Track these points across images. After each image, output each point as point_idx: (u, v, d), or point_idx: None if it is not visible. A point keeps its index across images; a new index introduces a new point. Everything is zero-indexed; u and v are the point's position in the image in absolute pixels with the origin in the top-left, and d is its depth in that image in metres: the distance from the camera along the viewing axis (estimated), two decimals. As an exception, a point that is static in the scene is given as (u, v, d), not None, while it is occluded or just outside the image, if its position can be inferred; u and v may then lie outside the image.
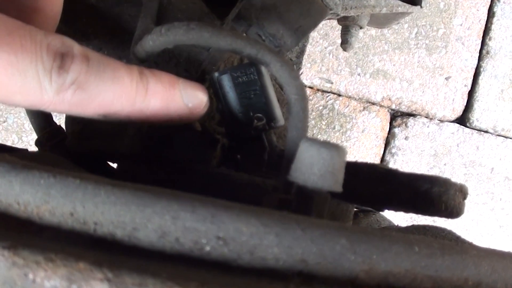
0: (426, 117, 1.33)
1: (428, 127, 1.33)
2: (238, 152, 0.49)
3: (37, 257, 0.26)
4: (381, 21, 0.84)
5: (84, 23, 0.51)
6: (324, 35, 1.25)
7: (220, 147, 0.48)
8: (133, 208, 0.29)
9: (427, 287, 0.31)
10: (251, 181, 0.44)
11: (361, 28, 0.78)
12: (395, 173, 0.44)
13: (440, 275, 0.31)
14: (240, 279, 0.27)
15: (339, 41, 1.27)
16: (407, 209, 0.45)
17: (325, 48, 1.26)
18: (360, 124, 1.28)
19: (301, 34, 0.47)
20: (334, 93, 1.26)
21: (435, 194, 0.43)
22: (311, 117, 1.24)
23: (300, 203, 0.33)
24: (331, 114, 1.25)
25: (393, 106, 1.30)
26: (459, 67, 1.33)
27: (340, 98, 1.26)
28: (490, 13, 1.34)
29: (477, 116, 1.35)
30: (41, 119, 0.60)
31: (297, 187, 0.33)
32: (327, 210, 0.34)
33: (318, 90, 1.25)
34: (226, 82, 0.46)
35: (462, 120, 1.35)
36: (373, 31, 1.29)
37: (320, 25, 1.30)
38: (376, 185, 0.44)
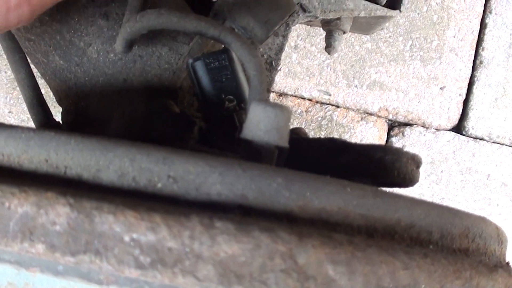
0: (423, 126, 1.36)
1: (424, 135, 1.36)
2: (214, 134, 0.53)
3: (12, 189, 0.31)
4: (364, 26, 0.88)
5: (76, 21, 0.56)
6: (321, 50, 1.30)
7: (197, 130, 0.53)
8: (97, 153, 0.33)
9: (360, 224, 0.34)
10: (222, 155, 0.48)
11: (344, 32, 0.83)
12: (352, 145, 0.48)
13: (372, 214, 0.35)
14: (185, 209, 0.31)
15: (336, 54, 1.32)
16: (365, 179, 0.49)
17: (323, 61, 1.31)
18: (358, 134, 1.32)
19: (270, 26, 0.52)
20: (332, 105, 1.30)
21: (388, 162, 0.46)
22: (311, 128, 1.29)
23: (249, 156, 0.37)
24: (329, 125, 1.29)
25: (390, 116, 1.34)
26: (454, 77, 1.37)
27: (338, 109, 1.30)
28: (483, 25, 1.38)
29: (472, 124, 1.38)
30: (41, 116, 0.65)
31: (245, 142, 0.37)
32: (275, 163, 0.38)
33: (317, 102, 1.29)
34: (200, 68, 0.50)
35: (458, 128, 1.39)
36: (368, 44, 1.34)
37: (318, 39, 1.36)
38: (336, 156, 0.48)
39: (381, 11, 0.79)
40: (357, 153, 0.47)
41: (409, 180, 0.48)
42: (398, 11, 0.81)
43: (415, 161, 0.48)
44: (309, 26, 1.35)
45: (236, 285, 0.29)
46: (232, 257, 0.29)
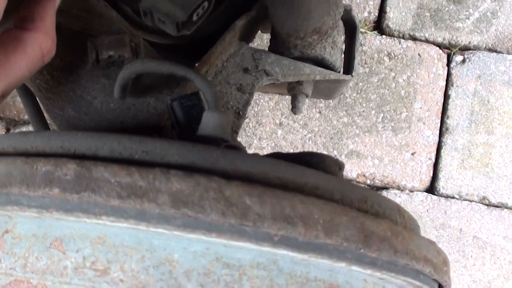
0: (398, 189, 1.51)
1: (399, 197, 1.50)
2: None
3: (38, 158, 0.47)
4: (325, 91, 1.05)
5: (85, 81, 0.74)
6: (303, 125, 1.48)
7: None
8: (95, 139, 0.49)
9: (276, 182, 0.49)
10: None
11: (306, 96, 1.00)
12: (288, 153, 0.63)
13: (285, 176, 0.50)
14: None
15: (316, 129, 1.50)
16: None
17: (305, 135, 1.48)
18: (340, 197, 1.46)
19: (187, 7, 0.61)
20: (315, 172, 1.45)
21: (314, 164, 0.61)
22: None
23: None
24: (314, 190, 1.44)
25: (368, 182, 1.49)
26: (423, 143, 1.53)
27: (321, 176, 1.45)
28: (446, 96, 1.56)
29: (442, 185, 1.52)
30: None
31: (199, 136, 0.53)
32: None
33: (301, 170, 1.45)
34: (176, 106, 0.67)
35: (430, 189, 1.53)
36: (345, 118, 1.52)
37: (300, 116, 1.53)
38: (278, 164, 0.64)
39: (334, 75, 0.96)
40: (291, 159, 0.62)
41: (333, 178, 0.62)
42: (350, 75, 0.99)
43: (337, 164, 0.63)
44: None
45: (182, 208, 0.44)
46: (180, 191, 0.44)
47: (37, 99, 0.80)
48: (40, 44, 0.56)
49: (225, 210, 0.44)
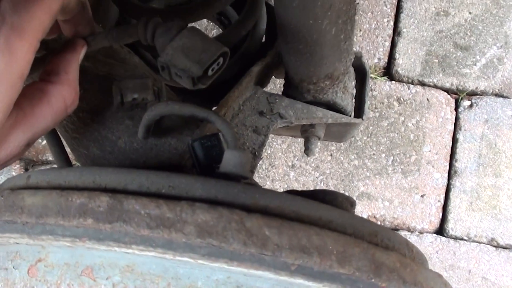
0: (408, 230, 1.53)
1: (409, 238, 1.52)
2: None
3: (73, 191, 0.51)
4: (336, 134, 1.09)
5: (110, 122, 0.78)
6: (315, 167, 1.51)
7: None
8: (125, 174, 0.53)
9: (292, 216, 0.53)
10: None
11: (319, 138, 1.03)
12: (303, 191, 0.67)
13: (300, 210, 0.53)
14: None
15: (328, 171, 1.53)
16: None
17: (317, 177, 1.52)
18: (351, 238, 1.49)
19: (202, 64, 0.63)
20: (327, 213, 1.48)
21: (327, 200, 0.65)
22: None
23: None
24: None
25: (378, 223, 1.51)
26: (432, 186, 1.56)
27: (332, 217, 1.48)
28: (454, 140, 1.59)
29: (451, 226, 1.54)
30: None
31: (220, 173, 0.57)
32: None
33: (313, 211, 1.48)
34: (197, 147, 0.70)
35: (439, 230, 1.55)
36: (356, 161, 1.56)
37: (312, 159, 1.57)
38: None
39: (346, 119, 1.00)
40: (305, 195, 0.65)
41: (346, 214, 0.66)
42: (361, 119, 1.03)
43: (349, 201, 0.66)
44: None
45: (207, 237, 0.47)
46: (205, 222, 0.48)
47: (63, 139, 0.84)
48: (64, 96, 0.59)
49: (246, 240, 0.47)
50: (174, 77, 0.65)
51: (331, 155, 1.59)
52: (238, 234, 0.48)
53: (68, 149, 0.91)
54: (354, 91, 1.03)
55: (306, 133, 1.03)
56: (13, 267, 0.58)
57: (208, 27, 1.75)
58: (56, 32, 0.63)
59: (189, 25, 0.67)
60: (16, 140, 0.54)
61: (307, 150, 1.02)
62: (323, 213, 0.55)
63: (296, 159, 1.57)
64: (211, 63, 0.64)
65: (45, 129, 0.57)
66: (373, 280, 0.50)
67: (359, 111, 1.04)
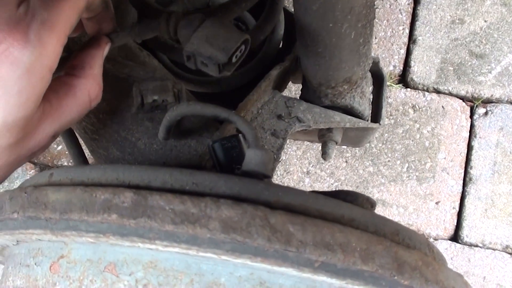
0: (423, 237, 1.52)
1: (425, 245, 1.51)
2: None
3: (97, 187, 0.51)
4: (354, 139, 1.09)
5: (130, 123, 0.78)
6: (330, 174, 1.51)
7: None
8: (149, 172, 0.53)
9: (315, 214, 0.53)
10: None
11: (336, 143, 1.04)
12: (325, 192, 0.67)
13: (323, 208, 0.53)
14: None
15: (343, 178, 1.53)
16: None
17: (332, 184, 1.52)
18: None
19: (227, 51, 0.66)
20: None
21: (348, 201, 0.65)
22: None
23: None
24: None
25: (394, 229, 1.51)
26: (447, 193, 1.56)
27: (347, 224, 1.48)
28: (469, 147, 1.59)
29: (466, 233, 1.53)
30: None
31: (243, 171, 0.57)
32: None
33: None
34: (217, 148, 0.71)
35: (454, 237, 1.54)
36: (371, 168, 1.55)
37: (327, 165, 1.57)
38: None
39: (363, 123, 1.00)
40: (327, 195, 0.66)
41: (366, 215, 0.66)
42: (378, 124, 1.03)
43: (369, 201, 0.66)
44: (320, 156, 1.57)
45: (232, 233, 0.47)
46: (229, 217, 0.48)
47: (82, 141, 0.85)
48: (88, 89, 0.61)
49: (271, 236, 0.47)
50: (200, 66, 0.67)
51: (346, 161, 1.59)
52: (263, 230, 0.48)
53: (86, 152, 0.91)
54: (371, 96, 1.03)
55: (324, 137, 1.03)
56: (35, 264, 0.58)
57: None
58: (80, 30, 0.64)
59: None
60: (44, 131, 0.56)
61: (325, 155, 1.02)
62: (346, 212, 0.55)
63: (311, 165, 1.57)
64: (235, 50, 0.65)
65: (71, 121, 0.60)
66: (395, 277, 0.50)
67: (376, 116, 1.04)
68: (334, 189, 1.52)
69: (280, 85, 1.00)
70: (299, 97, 0.97)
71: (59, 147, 1.72)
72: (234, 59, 0.67)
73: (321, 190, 1.51)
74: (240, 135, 0.70)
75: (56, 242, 0.56)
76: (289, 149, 1.61)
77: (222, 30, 0.67)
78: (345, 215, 0.54)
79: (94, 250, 0.53)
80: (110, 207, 0.49)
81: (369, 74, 1.00)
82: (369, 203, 0.67)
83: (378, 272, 0.50)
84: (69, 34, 0.54)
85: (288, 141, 1.61)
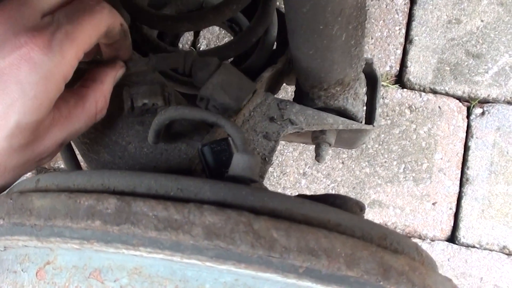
0: (419, 238, 1.52)
1: (421, 245, 1.51)
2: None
3: (81, 193, 0.51)
4: (348, 141, 1.09)
5: (120, 127, 0.78)
6: (326, 175, 1.51)
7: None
8: (134, 177, 0.53)
9: (301, 219, 0.53)
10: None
11: (330, 145, 1.03)
12: (313, 195, 0.67)
13: (309, 213, 0.53)
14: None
15: (339, 179, 1.53)
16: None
17: (328, 185, 1.51)
18: (362, 246, 1.48)
19: (240, 100, 0.71)
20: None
21: (337, 205, 0.65)
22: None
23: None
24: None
25: (391, 230, 1.51)
26: (443, 193, 1.55)
27: (344, 225, 1.48)
28: (466, 147, 1.59)
29: (463, 234, 1.53)
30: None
31: (229, 176, 0.57)
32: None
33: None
34: (207, 151, 0.70)
35: (451, 238, 1.54)
36: (367, 169, 1.55)
37: (323, 166, 1.57)
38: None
39: (356, 125, 1.00)
40: (315, 199, 0.65)
41: (355, 219, 0.65)
42: (371, 125, 1.02)
43: (358, 205, 0.66)
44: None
45: (215, 239, 0.47)
46: (213, 224, 0.48)
47: (74, 144, 0.85)
48: (96, 102, 0.65)
49: (254, 242, 0.47)
50: (210, 108, 0.73)
51: (342, 162, 1.59)
52: (246, 236, 0.47)
53: (79, 156, 0.91)
54: (365, 98, 1.03)
55: (317, 139, 1.02)
56: (22, 270, 0.58)
57: (220, 35, 1.75)
58: (93, 54, 0.67)
59: (224, 62, 0.73)
60: (53, 138, 0.59)
61: (318, 157, 1.02)
62: (332, 216, 0.54)
63: (307, 166, 1.57)
64: (247, 101, 0.74)
65: (78, 131, 0.63)
66: (381, 283, 0.50)
67: (370, 118, 1.04)
68: (330, 190, 1.52)
69: (273, 87, 1.00)
70: (292, 99, 0.97)
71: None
72: (242, 105, 0.73)
73: (317, 191, 1.51)
74: (230, 138, 0.70)
75: (42, 248, 0.56)
76: (286, 151, 1.60)
77: (236, 79, 0.73)
78: (331, 220, 0.54)
79: (79, 256, 0.53)
80: (94, 213, 0.49)
81: (362, 75, 1.00)
82: (358, 207, 0.66)
83: (363, 277, 0.49)
84: (85, 51, 0.57)
85: (284, 143, 1.61)
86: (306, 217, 0.53)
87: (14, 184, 0.64)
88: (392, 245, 0.57)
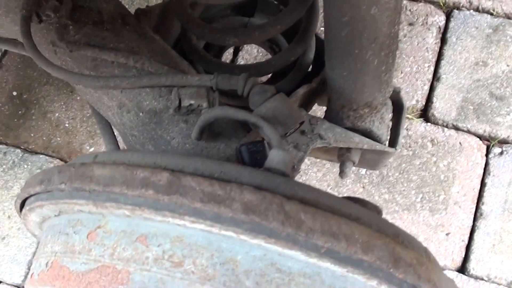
0: (431, 266, 1.57)
1: (432, 273, 1.56)
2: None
3: (137, 167, 0.58)
4: (371, 162, 1.16)
5: (166, 123, 0.86)
6: (333, 188, 1.57)
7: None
8: (183, 159, 0.61)
9: (325, 209, 0.60)
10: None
11: (354, 163, 1.10)
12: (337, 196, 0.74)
13: (333, 205, 0.60)
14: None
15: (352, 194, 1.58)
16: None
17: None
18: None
19: (286, 128, 0.79)
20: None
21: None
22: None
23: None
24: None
25: (403, 256, 1.56)
26: (457, 225, 1.60)
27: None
28: (483, 184, 1.64)
29: (473, 266, 1.58)
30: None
31: (266, 168, 0.64)
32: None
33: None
34: (244, 151, 0.78)
35: (461, 269, 1.59)
36: (386, 195, 1.61)
37: (344, 189, 1.64)
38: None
39: (380, 146, 1.06)
40: (338, 200, 0.72)
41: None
42: (394, 149, 1.09)
43: (377, 209, 0.73)
44: (338, 179, 1.63)
45: (251, 214, 0.54)
46: (250, 201, 0.55)
47: (121, 136, 0.93)
48: None
49: (284, 221, 0.54)
50: (252, 127, 0.79)
51: (363, 187, 1.65)
52: (278, 214, 0.55)
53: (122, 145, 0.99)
54: (390, 123, 1.09)
55: (342, 157, 1.09)
56: (74, 232, 0.65)
57: (257, 56, 1.84)
58: None
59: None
60: None
61: (342, 173, 1.09)
62: (353, 211, 0.61)
63: (329, 188, 1.64)
64: (294, 130, 0.84)
65: None
66: (391, 270, 0.56)
67: (393, 142, 1.10)
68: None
69: (306, 105, 1.07)
70: (323, 117, 1.04)
71: (91, 149, 1.81)
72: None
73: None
74: (265, 141, 0.78)
75: (95, 214, 0.64)
76: (310, 171, 1.67)
77: (287, 107, 0.83)
78: (352, 213, 0.61)
79: (128, 223, 0.61)
80: (148, 183, 0.57)
81: (389, 102, 1.07)
82: (376, 210, 0.73)
83: (376, 263, 0.56)
84: None
85: (309, 163, 1.68)
86: (330, 208, 0.60)
87: (73, 159, 0.72)
88: (403, 242, 0.64)
